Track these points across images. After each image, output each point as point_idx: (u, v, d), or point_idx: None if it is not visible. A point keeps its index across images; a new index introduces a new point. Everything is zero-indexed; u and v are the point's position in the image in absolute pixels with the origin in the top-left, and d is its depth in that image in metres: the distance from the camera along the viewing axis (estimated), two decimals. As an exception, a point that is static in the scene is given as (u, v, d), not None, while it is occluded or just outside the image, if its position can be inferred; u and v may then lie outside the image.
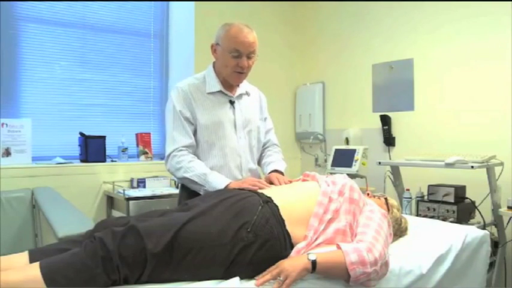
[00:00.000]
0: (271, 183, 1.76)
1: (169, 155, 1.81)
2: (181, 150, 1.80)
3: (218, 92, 1.90)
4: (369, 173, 2.97)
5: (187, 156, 1.80)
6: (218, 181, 1.71)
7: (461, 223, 2.28)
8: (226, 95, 1.92)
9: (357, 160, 2.92)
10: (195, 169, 1.76)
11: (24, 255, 1.29)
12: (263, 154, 2.07)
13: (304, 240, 1.43)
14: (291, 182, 1.78)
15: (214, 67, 1.94)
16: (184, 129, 1.83)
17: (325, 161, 3.66)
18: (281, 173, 1.92)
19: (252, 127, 1.96)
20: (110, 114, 3.38)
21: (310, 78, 3.98)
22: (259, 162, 2.06)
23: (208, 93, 1.89)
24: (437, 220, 2.31)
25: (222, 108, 1.89)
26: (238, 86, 1.97)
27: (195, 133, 1.86)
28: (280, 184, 1.72)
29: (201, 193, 1.76)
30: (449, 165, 2.39)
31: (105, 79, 3.35)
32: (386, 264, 1.40)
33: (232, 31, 1.80)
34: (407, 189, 2.78)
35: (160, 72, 3.61)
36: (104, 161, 3.11)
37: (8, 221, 2.48)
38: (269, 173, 1.92)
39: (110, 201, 3.09)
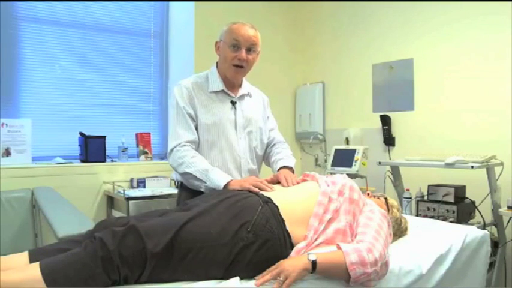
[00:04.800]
0: (278, 182, 1.73)
1: (172, 149, 1.80)
2: (184, 145, 1.80)
3: (220, 91, 1.90)
4: (369, 173, 2.97)
5: (190, 152, 1.79)
6: (219, 178, 1.70)
7: (461, 223, 2.28)
8: (228, 95, 1.92)
9: (357, 160, 2.92)
10: (197, 165, 1.75)
11: (24, 255, 1.29)
12: (271, 153, 2.05)
13: (304, 240, 1.43)
14: (298, 183, 1.72)
15: (217, 66, 1.94)
16: (188, 124, 1.83)
17: (325, 161, 3.66)
18: (291, 169, 1.89)
19: (253, 128, 1.95)
20: (110, 114, 3.38)
21: (310, 78, 3.98)
22: (267, 162, 2.05)
23: (211, 92, 1.89)
24: (437, 220, 2.31)
25: (223, 108, 1.89)
26: (240, 86, 1.97)
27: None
28: (287, 184, 1.68)
29: (202, 189, 1.75)
30: (449, 165, 2.39)
31: (105, 79, 3.35)
32: (386, 264, 1.40)
33: (234, 26, 1.84)
34: (407, 189, 2.78)
35: (160, 72, 3.61)
36: (104, 161, 3.11)
37: (8, 221, 2.48)
38: (278, 169, 1.89)
39: (110, 201, 3.09)
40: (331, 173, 2.17)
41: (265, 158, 2.07)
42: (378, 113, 3.37)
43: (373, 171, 3.02)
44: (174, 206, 1.91)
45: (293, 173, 1.87)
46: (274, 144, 2.08)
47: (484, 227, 2.32)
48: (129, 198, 2.74)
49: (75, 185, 2.92)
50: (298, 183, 1.72)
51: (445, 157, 2.45)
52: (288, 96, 4.04)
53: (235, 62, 1.84)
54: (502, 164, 2.48)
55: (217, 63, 1.96)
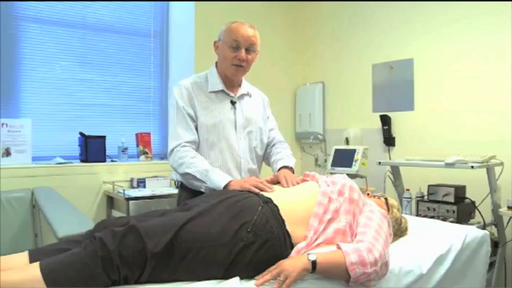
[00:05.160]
0: (278, 182, 1.73)
1: (173, 150, 1.80)
2: (184, 145, 1.80)
3: (220, 91, 1.90)
4: (369, 173, 2.96)
5: (190, 152, 1.79)
6: (219, 178, 1.70)
7: (461, 223, 2.28)
8: (228, 94, 1.92)
9: (357, 160, 2.92)
10: (197, 165, 1.75)
11: (24, 255, 1.29)
12: (271, 153, 2.05)
13: (304, 240, 1.43)
14: (298, 183, 1.73)
15: (216, 66, 1.94)
16: (188, 124, 1.83)
17: (325, 161, 3.66)
18: (291, 168, 1.89)
19: (253, 128, 1.95)
20: (110, 114, 3.38)
21: (310, 78, 3.98)
22: (268, 161, 2.05)
23: (210, 92, 1.89)
24: (437, 220, 2.31)
25: (223, 108, 1.89)
26: (240, 86, 1.97)
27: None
28: (287, 185, 1.69)
29: (202, 190, 1.75)
30: (449, 165, 2.39)
31: (105, 79, 3.35)
32: (386, 264, 1.40)
33: (233, 25, 1.84)
34: (407, 189, 2.78)
35: (160, 72, 3.61)
36: (104, 161, 3.11)
37: (8, 221, 2.48)
38: (278, 169, 1.89)
39: (110, 201, 3.09)
40: (331, 173, 2.17)
41: (265, 157, 2.07)
42: (378, 113, 3.37)
43: (373, 171, 3.02)
44: (174, 206, 1.91)
45: (293, 173, 1.87)
46: (274, 144, 2.07)
47: (484, 227, 2.32)
48: (129, 198, 2.74)
49: (75, 185, 2.92)
50: (298, 183, 1.72)
51: (445, 157, 2.45)
52: (288, 96, 4.04)
53: (234, 62, 1.84)
54: (502, 164, 2.47)
55: (216, 63, 1.96)
